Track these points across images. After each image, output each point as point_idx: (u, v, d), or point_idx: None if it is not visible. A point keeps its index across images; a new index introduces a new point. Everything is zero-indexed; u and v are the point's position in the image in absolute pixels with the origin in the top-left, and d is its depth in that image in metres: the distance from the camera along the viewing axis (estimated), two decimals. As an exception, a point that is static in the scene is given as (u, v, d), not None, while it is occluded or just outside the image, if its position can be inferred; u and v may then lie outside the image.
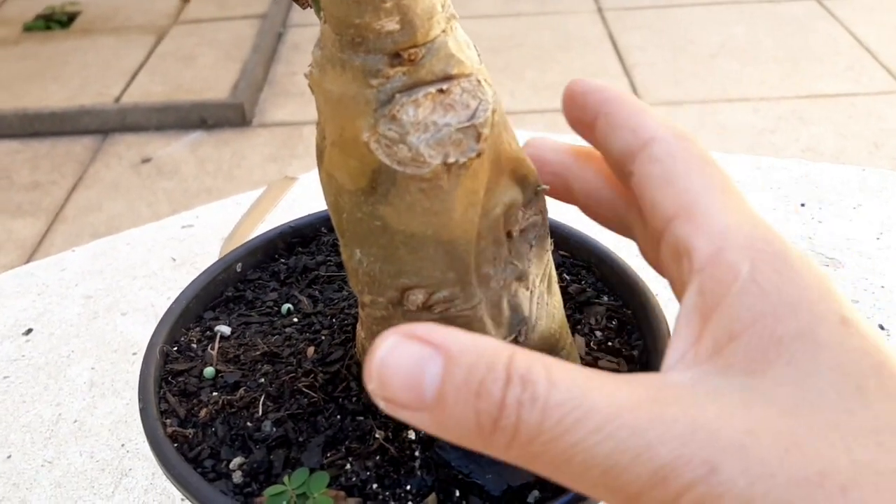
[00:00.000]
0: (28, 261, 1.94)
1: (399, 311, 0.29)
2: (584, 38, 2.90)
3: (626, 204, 0.29)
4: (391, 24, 0.24)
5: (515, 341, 0.31)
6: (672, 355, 0.22)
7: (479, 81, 0.26)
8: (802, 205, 0.73)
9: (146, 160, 2.32)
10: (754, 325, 0.21)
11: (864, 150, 2.19)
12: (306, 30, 3.05)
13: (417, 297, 0.28)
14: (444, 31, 0.25)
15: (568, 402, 0.19)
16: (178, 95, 2.58)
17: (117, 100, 2.58)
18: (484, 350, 0.20)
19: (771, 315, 0.21)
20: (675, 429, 0.19)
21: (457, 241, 0.27)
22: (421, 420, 0.21)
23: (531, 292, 0.31)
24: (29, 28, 3.12)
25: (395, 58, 0.24)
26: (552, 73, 2.66)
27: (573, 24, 3.00)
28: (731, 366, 0.21)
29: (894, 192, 0.74)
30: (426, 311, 0.28)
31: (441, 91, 0.25)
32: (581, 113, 0.28)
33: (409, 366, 0.21)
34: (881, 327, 0.58)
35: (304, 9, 0.36)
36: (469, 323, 0.29)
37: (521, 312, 0.31)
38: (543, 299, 0.32)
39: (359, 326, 0.35)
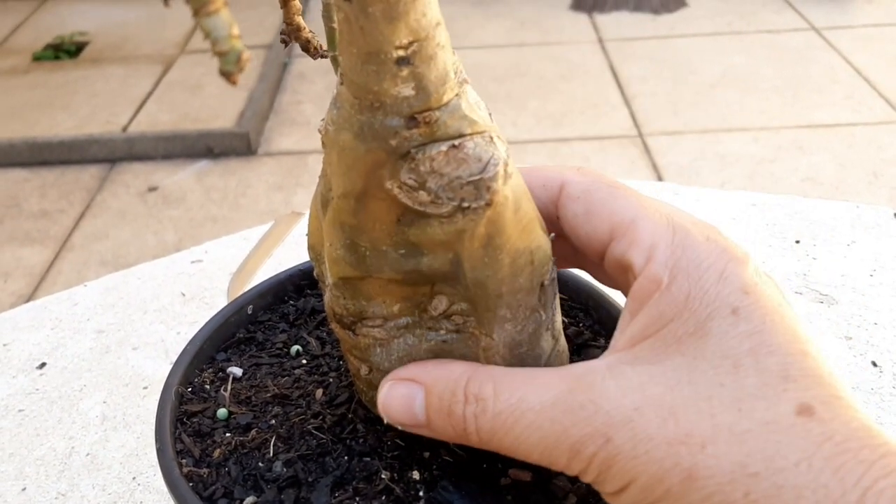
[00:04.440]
0: (36, 288, 1.96)
1: (402, 333, 0.31)
2: (586, 68, 2.94)
3: (568, 245, 0.33)
4: (407, 90, 0.26)
5: None
6: (609, 346, 0.28)
7: (491, 138, 0.28)
8: (797, 241, 0.74)
9: (153, 189, 2.35)
10: (662, 329, 0.26)
11: (864, 179, 2.21)
12: (311, 60, 3.09)
13: (441, 302, 0.30)
14: (457, 95, 0.27)
15: (508, 408, 0.27)
16: (184, 124, 2.62)
17: (125, 129, 2.62)
18: (449, 378, 0.29)
19: (676, 319, 0.26)
20: (582, 413, 0.25)
21: (467, 269, 0.29)
22: (424, 432, 0.30)
23: (556, 340, 0.33)
24: (38, 58, 3.17)
25: (412, 120, 0.26)
26: (554, 102, 2.69)
27: (575, 55, 3.04)
28: (637, 358, 0.26)
29: (887, 228, 0.76)
30: (445, 320, 0.30)
31: (454, 147, 0.27)
32: None
33: (403, 401, 0.30)
34: (874, 364, 0.60)
35: (314, 59, 0.38)
36: (476, 345, 0.31)
37: (538, 361, 0.32)
38: (560, 346, 0.34)
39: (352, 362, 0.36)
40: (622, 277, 0.30)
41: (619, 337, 0.28)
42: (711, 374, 0.25)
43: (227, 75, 0.21)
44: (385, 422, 0.30)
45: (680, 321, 0.26)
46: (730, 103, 2.64)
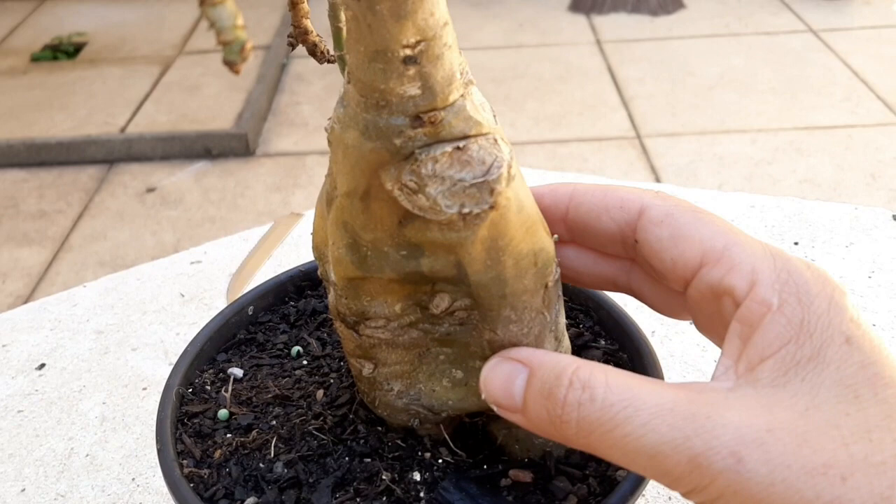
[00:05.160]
0: (34, 289, 1.96)
1: (406, 331, 0.31)
2: (584, 69, 2.94)
3: (624, 268, 0.33)
4: (413, 90, 0.26)
5: None
6: (718, 369, 0.27)
7: (495, 140, 0.28)
8: (796, 243, 0.74)
9: (151, 189, 2.35)
10: (780, 350, 0.25)
11: (861, 181, 2.22)
12: (309, 61, 3.09)
13: (443, 301, 0.30)
14: (462, 96, 0.27)
15: (621, 402, 0.25)
16: (182, 125, 2.62)
17: (123, 129, 2.61)
18: (557, 363, 0.27)
19: (793, 341, 0.25)
20: (707, 425, 0.24)
21: (471, 273, 0.29)
22: (518, 419, 0.28)
23: (559, 342, 0.33)
24: (36, 58, 3.17)
25: (417, 120, 0.26)
26: (552, 104, 2.69)
27: (573, 56, 3.04)
28: (759, 380, 0.25)
29: (885, 230, 0.76)
30: (448, 317, 0.31)
31: (458, 148, 0.27)
32: (549, 212, 0.32)
33: (504, 378, 0.28)
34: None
35: (321, 63, 0.38)
36: (480, 337, 0.31)
37: None
38: (563, 347, 0.34)
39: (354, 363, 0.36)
40: (712, 304, 0.29)
41: (736, 363, 0.26)
42: (835, 402, 0.24)
43: (231, 65, 0.21)
44: (482, 396, 0.29)
45: (797, 344, 0.25)
46: (728, 105, 2.65)
